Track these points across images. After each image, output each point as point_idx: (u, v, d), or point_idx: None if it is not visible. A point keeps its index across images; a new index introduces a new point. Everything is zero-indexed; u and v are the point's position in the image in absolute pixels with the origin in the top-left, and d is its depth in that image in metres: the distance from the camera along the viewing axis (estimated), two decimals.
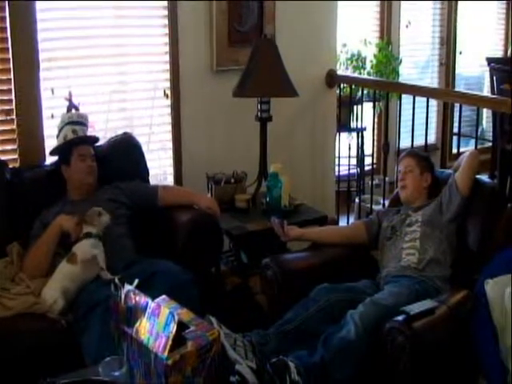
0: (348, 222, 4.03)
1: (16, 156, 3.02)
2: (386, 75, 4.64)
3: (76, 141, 2.76)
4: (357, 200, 4.27)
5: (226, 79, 3.40)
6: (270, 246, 2.80)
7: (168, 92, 3.45)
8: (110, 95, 3.35)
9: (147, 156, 3.16)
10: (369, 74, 4.66)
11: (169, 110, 3.47)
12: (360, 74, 4.60)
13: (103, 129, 3.31)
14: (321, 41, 3.92)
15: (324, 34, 3.92)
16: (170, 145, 3.52)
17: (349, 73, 4.55)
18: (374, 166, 4.26)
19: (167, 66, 3.42)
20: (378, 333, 2.02)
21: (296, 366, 1.97)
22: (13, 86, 2.96)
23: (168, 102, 3.46)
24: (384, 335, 1.99)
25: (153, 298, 1.73)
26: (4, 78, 2.96)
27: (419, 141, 3.79)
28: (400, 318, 2.00)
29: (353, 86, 4.17)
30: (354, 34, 4.82)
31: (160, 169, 3.53)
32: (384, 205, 3.64)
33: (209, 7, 3.43)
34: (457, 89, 5.38)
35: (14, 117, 3.00)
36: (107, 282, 2.27)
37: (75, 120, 2.80)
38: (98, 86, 3.30)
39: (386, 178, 3.95)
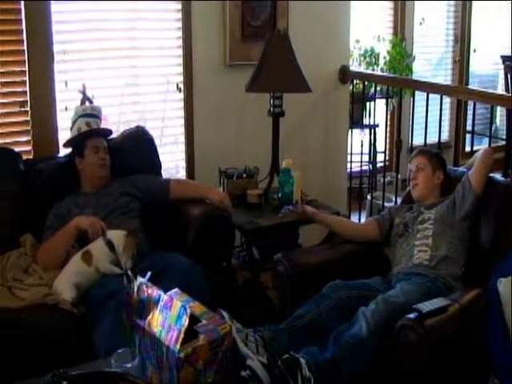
0: (359, 219, 4.02)
1: (30, 148, 3.04)
2: (399, 72, 4.61)
3: (89, 133, 2.77)
4: (369, 197, 4.25)
5: (239, 74, 3.39)
6: (282, 241, 2.80)
7: (181, 86, 3.45)
8: (123, 88, 3.35)
9: (160, 150, 3.16)
10: (382, 70, 4.63)
11: (181, 104, 3.47)
12: (373, 70, 4.57)
13: (116, 122, 3.32)
14: (334, 36, 3.89)
15: (337, 29, 3.90)
16: (182, 139, 3.52)
17: (362, 69, 4.53)
18: (387, 163, 4.24)
19: (180, 60, 3.42)
20: (390, 330, 2.02)
21: (307, 362, 1.96)
22: (27, 78, 2.98)
23: (181, 95, 3.46)
24: (396, 333, 1.98)
25: (164, 291, 1.73)
26: (18, 69, 2.98)
27: (432, 138, 3.76)
28: (412, 315, 1.99)
29: (366, 83, 4.15)
30: (367, 30, 4.80)
31: (172, 162, 3.53)
32: (396, 202, 3.62)
33: (222, 1, 3.42)
34: (470, 86, 5.34)
35: (28, 109, 3.01)
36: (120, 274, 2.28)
37: (89, 113, 2.81)
38: (111, 79, 3.31)
39: (399, 176, 3.92)
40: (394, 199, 3.82)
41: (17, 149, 2.90)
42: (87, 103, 2.88)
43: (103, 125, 2.93)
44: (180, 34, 3.38)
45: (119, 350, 1.69)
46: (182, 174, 3.54)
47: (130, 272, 1.82)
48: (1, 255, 2.56)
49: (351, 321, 2.13)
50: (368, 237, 2.70)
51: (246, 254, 3.15)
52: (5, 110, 2.98)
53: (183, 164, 3.54)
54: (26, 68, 2.97)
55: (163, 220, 2.82)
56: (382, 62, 4.66)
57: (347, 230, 2.74)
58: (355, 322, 2.11)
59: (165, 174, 3.15)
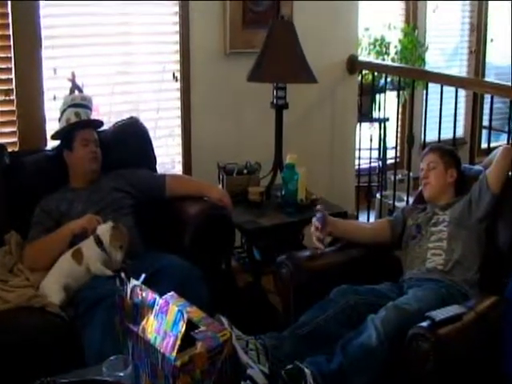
0: (368, 219, 4.02)
1: (15, 139, 3.03)
2: (411, 62, 4.62)
3: (79, 124, 2.76)
4: (378, 196, 4.25)
5: (240, 63, 3.39)
6: (286, 242, 2.79)
7: (177, 75, 3.45)
8: (116, 77, 3.35)
9: (154, 143, 3.15)
10: (393, 60, 4.63)
11: (178, 94, 3.48)
12: (383, 60, 4.57)
13: (108, 112, 3.32)
14: (342, 24, 3.90)
15: (345, 16, 3.91)
16: (178, 131, 3.52)
17: (371, 59, 4.53)
18: (398, 159, 4.24)
19: (177, 47, 3.42)
20: (401, 339, 2.01)
21: (312, 373, 1.96)
22: (13, 65, 2.98)
23: (177, 85, 3.46)
24: (407, 342, 1.98)
25: (159, 295, 1.72)
26: (4, 55, 2.97)
27: (446, 134, 3.76)
28: (425, 324, 1.99)
29: (375, 73, 4.15)
30: (377, 17, 4.80)
31: (168, 157, 3.54)
32: (408, 202, 3.62)
33: None
34: (487, 79, 5.34)
35: (14, 97, 3.01)
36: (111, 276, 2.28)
37: (78, 102, 2.80)
38: (103, 66, 3.31)
39: (410, 173, 3.92)
40: (405, 198, 3.82)
41: (1, 140, 2.91)
42: (77, 92, 2.87)
43: (94, 115, 2.92)
44: (177, 19, 3.38)
45: (111, 357, 1.68)
46: (178, 169, 3.54)
47: (122, 273, 1.81)
48: None
49: (359, 328, 2.12)
50: (380, 238, 2.69)
51: (247, 256, 3.15)
52: None
53: (179, 158, 3.54)
54: (12, 54, 2.96)
55: (158, 218, 2.82)
56: (392, 51, 4.67)
57: (363, 238, 2.71)
58: (364, 330, 2.10)
59: (160, 169, 3.15)
